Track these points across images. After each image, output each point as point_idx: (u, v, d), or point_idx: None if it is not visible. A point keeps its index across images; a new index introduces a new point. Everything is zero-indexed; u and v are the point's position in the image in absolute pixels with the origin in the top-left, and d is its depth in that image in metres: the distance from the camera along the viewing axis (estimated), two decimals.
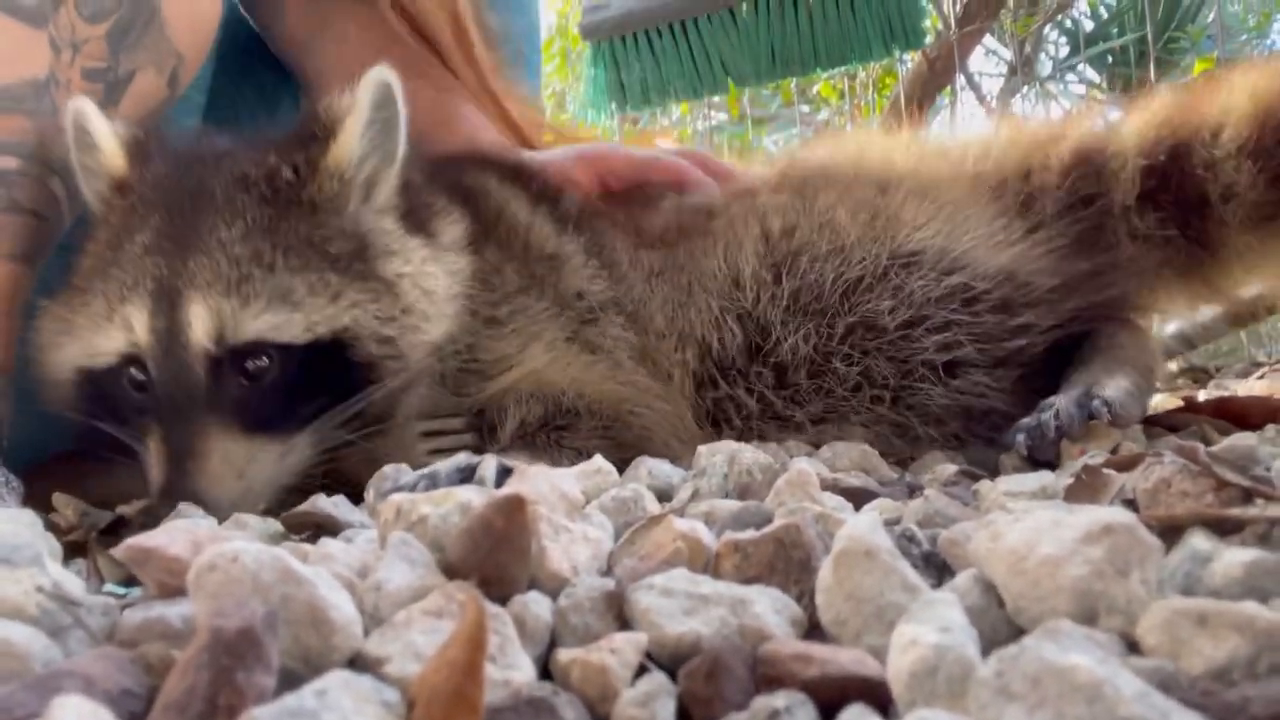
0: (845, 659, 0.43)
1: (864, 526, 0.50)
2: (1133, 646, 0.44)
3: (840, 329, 1.09)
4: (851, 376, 1.08)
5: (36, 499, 0.91)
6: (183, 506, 0.85)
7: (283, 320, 0.94)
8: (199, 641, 0.39)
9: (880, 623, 0.47)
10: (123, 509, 0.93)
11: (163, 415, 0.93)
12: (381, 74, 1.00)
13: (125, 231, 0.99)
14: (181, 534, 0.49)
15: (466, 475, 0.93)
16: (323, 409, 0.96)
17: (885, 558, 0.48)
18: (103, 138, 1.02)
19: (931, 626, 0.42)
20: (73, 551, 0.80)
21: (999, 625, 0.48)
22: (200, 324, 0.92)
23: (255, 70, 1.51)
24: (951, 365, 1.06)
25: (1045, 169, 1.22)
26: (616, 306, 1.14)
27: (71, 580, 0.48)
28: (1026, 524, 0.49)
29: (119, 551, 0.49)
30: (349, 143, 1.00)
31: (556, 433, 1.05)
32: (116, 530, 0.89)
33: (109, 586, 0.67)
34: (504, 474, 0.91)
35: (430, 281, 1.02)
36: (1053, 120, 1.40)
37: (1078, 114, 1.39)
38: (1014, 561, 0.47)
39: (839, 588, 0.48)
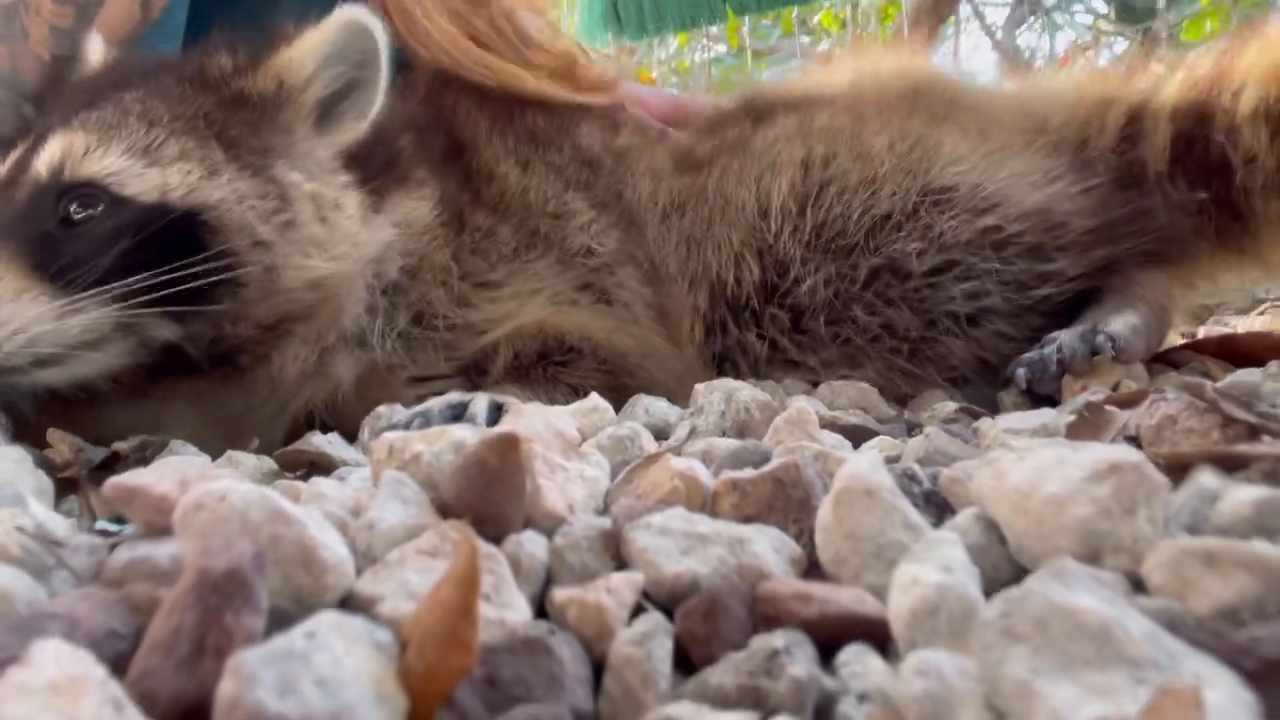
0: (845, 598, 0.43)
1: (864, 465, 0.49)
2: (1138, 586, 0.43)
3: (863, 272, 1.04)
4: (872, 326, 1.04)
5: (32, 436, 0.90)
6: None
7: (130, 170, 0.86)
8: (186, 581, 0.38)
9: (880, 562, 0.46)
10: (118, 445, 0.91)
11: None
12: (359, 14, 0.96)
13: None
14: (170, 472, 0.48)
15: (459, 413, 0.91)
16: (149, 291, 0.84)
17: (886, 496, 0.47)
18: (94, 56, 1.00)
19: (933, 566, 0.41)
20: (67, 489, 0.79)
21: (1000, 564, 0.47)
22: (47, 154, 0.87)
23: None
24: (975, 314, 1.02)
25: (1102, 133, 1.16)
26: (632, 261, 1.10)
27: (55, 519, 0.47)
28: (1030, 462, 0.48)
29: (105, 489, 0.48)
30: (301, 54, 0.96)
31: (554, 367, 1.03)
32: (111, 467, 0.88)
33: (100, 524, 0.66)
34: (495, 410, 0.90)
35: (337, 217, 0.95)
36: (1110, 73, 1.30)
37: (1132, 65, 1.30)
38: (1018, 500, 0.46)
39: (839, 527, 0.48)
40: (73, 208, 0.86)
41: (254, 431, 0.96)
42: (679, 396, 0.93)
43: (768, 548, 0.48)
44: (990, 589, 0.43)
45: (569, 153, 1.16)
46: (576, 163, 1.15)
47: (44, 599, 0.42)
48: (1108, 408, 0.68)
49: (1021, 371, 0.91)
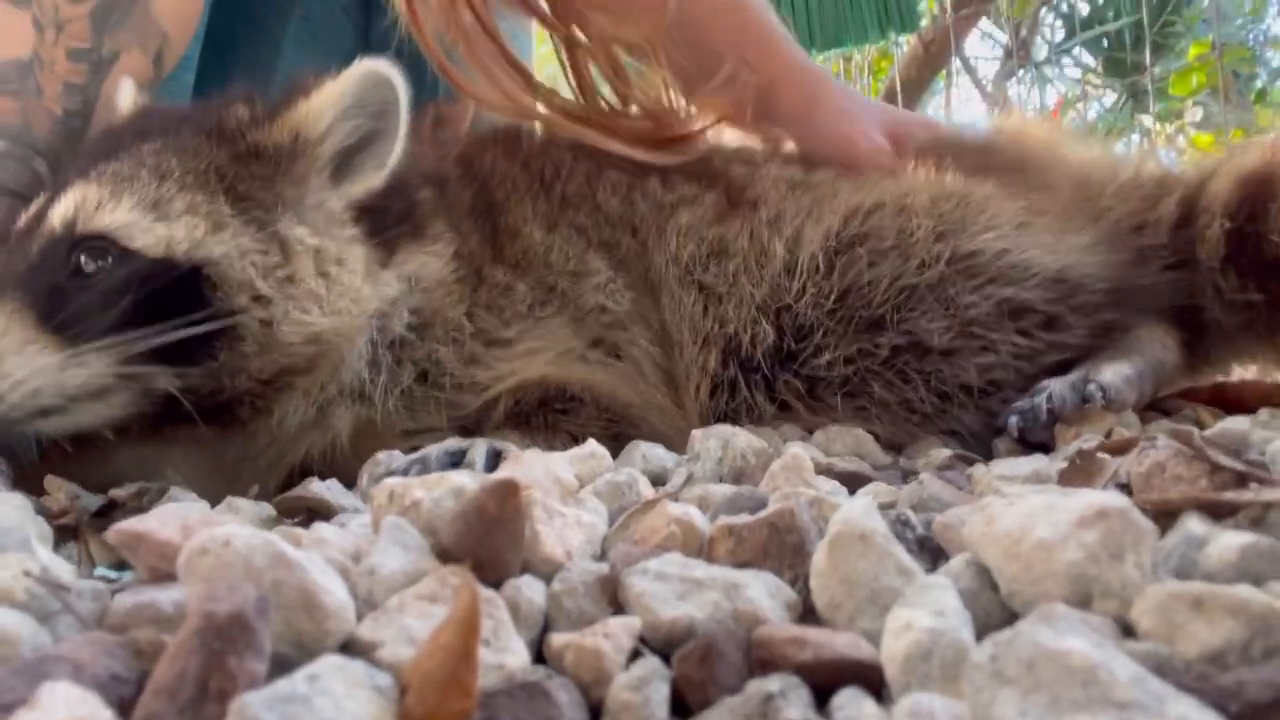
0: (839, 642, 0.43)
1: (858, 510, 0.49)
2: (1127, 630, 0.44)
3: (885, 350, 1.02)
4: (888, 400, 1.02)
5: (29, 482, 0.90)
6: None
7: (138, 223, 0.87)
8: (190, 626, 0.38)
9: (874, 607, 0.47)
10: (115, 492, 0.92)
11: None
12: (379, 65, 0.97)
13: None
14: (173, 518, 0.49)
15: (457, 459, 0.92)
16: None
17: (879, 541, 0.48)
18: (123, 104, 1.03)
19: (926, 610, 0.42)
20: (65, 535, 0.80)
21: (993, 609, 0.48)
22: (61, 207, 0.88)
23: (245, 51, 1.49)
24: (987, 387, 1.02)
25: (1157, 224, 1.15)
26: (644, 321, 1.08)
27: (60, 565, 0.48)
28: (1020, 508, 0.49)
29: (110, 535, 0.49)
30: (319, 107, 0.97)
31: (554, 415, 1.04)
32: (108, 514, 0.89)
33: (100, 570, 0.67)
34: (494, 457, 0.91)
35: (339, 272, 0.96)
36: (1164, 162, 1.32)
37: (1192, 155, 1.31)
38: (1008, 545, 0.47)
39: (833, 572, 0.48)
40: (83, 259, 0.87)
41: (252, 479, 0.97)
42: (679, 447, 0.93)
43: (763, 593, 0.49)
44: (982, 633, 0.44)
45: (598, 212, 1.15)
46: (603, 223, 1.14)
47: (49, 643, 0.43)
48: (1099, 455, 0.69)
49: (1014, 420, 0.92)
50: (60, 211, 0.89)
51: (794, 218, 1.10)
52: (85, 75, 1.06)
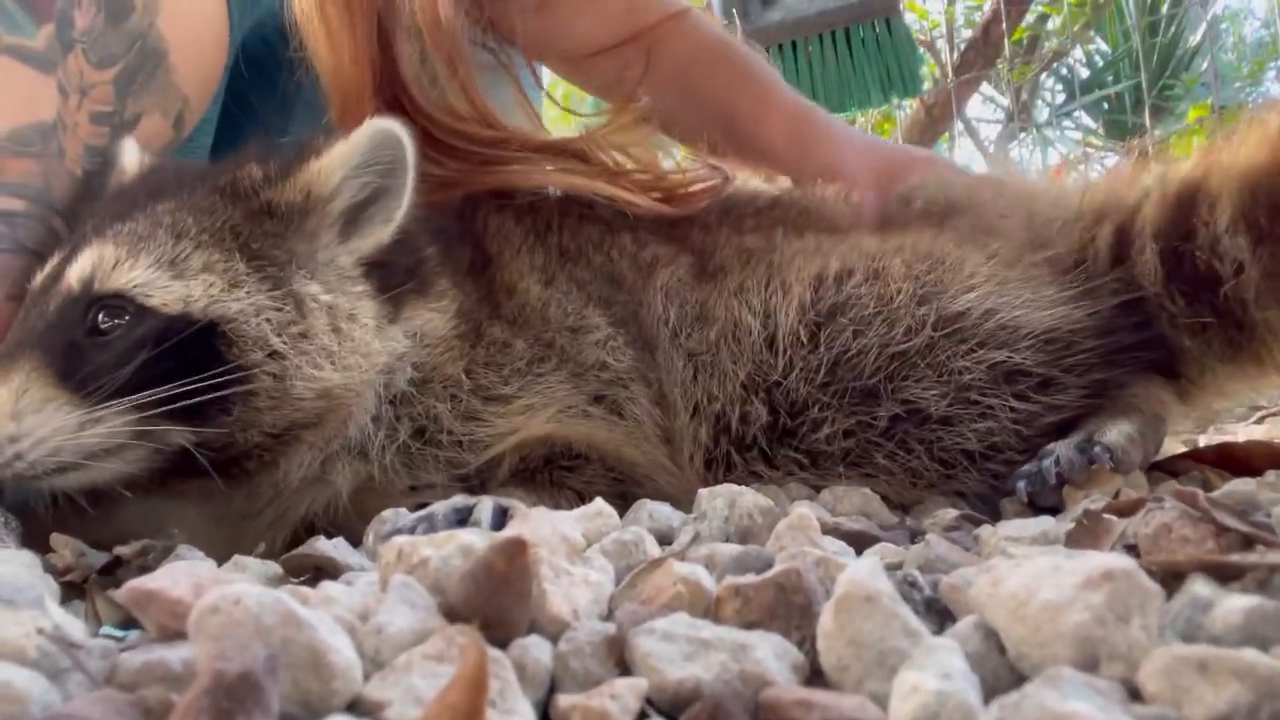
0: (847, 705, 0.43)
1: (865, 571, 0.50)
2: (1134, 693, 0.44)
3: (884, 420, 1.01)
4: (894, 469, 1.02)
5: (34, 538, 0.91)
6: None
7: (155, 281, 0.89)
8: (199, 685, 0.39)
9: (882, 669, 0.47)
10: (120, 550, 0.92)
11: (1, 349, 0.88)
12: (389, 123, 0.99)
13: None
14: (184, 576, 0.49)
15: (464, 516, 0.92)
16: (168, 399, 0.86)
17: (886, 603, 0.48)
18: (129, 164, 1.04)
19: (933, 673, 0.42)
20: (70, 592, 0.80)
21: (1000, 671, 0.48)
22: (78, 266, 0.90)
23: (261, 112, 1.53)
24: (988, 451, 1.01)
25: (1096, 256, 1.14)
26: (644, 380, 1.08)
27: (72, 623, 0.48)
28: (1027, 569, 0.49)
29: (121, 594, 0.49)
30: (330, 165, 0.99)
31: (559, 472, 1.04)
32: (113, 571, 0.89)
33: (106, 629, 0.67)
34: (500, 515, 0.91)
35: (350, 328, 0.97)
36: (1098, 185, 1.24)
37: (1117, 178, 1.28)
38: (1014, 607, 0.47)
39: (840, 633, 0.48)
40: (100, 317, 0.89)
41: (255, 535, 0.97)
42: (684, 506, 0.92)
43: (770, 654, 0.49)
44: (991, 696, 0.44)
45: (595, 267, 1.16)
46: (600, 278, 1.15)
47: (58, 701, 0.43)
48: (1106, 516, 0.69)
49: (1022, 485, 0.92)
50: (78, 270, 0.90)
51: (758, 289, 1.09)
52: (107, 138, 1.09)
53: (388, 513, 0.90)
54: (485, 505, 0.92)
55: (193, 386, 0.86)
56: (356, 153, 0.99)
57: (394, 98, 1.20)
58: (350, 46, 1.17)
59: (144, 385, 0.86)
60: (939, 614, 0.55)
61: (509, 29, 1.37)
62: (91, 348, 0.88)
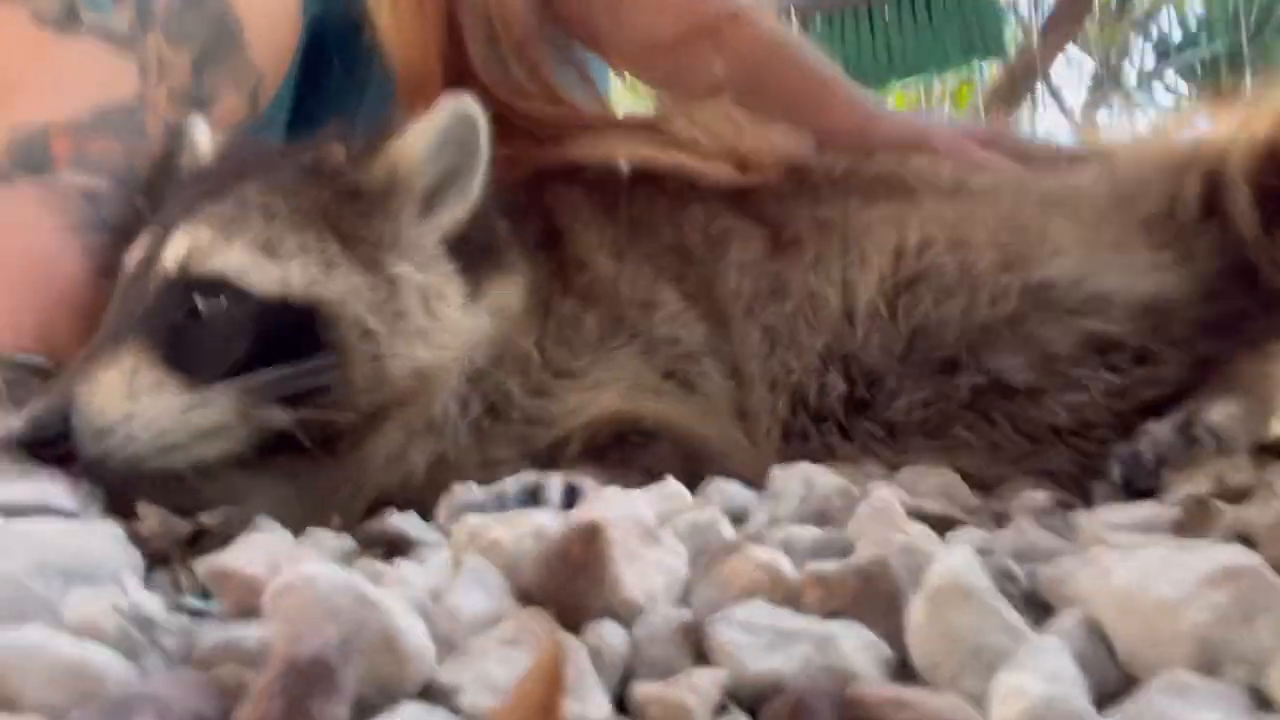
0: (941, 705, 0.40)
1: (960, 562, 0.47)
2: (1261, 700, 0.40)
3: (965, 390, 0.97)
4: (975, 443, 0.98)
5: (121, 505, 0.93)
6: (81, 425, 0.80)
7: (253, 264, 0.89)
8: (273, 668, 0.38)
9: (978, 665, 0.44)
10: (203, 518, 0.94)
11: (101, 331, 0.89)
12: (465, 102, 0.99)
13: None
14: (260, 553, 0.49)
15: (533, 493, 0.92)
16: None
17: (983, 596, 0.45)
18: (203, 145, 1.06)
19: (1037, 674, 0.39)
20: (156, 561, 0.82)
21: (1108, 672, 0.45)
22: (174, 248, 0.90)
23: (333, 91, 1.54)
24: (1079, 427, 0.96)
25: (1185, 205, 1.07)
26: (717, 354, 1.05)
27: (150, 599, 0.48)
28: (1137, 562, 0.45)
29: (201, 571, 0.49)
30: (412, 145, 0.99)
31: (629, 449, 1.02)
32: (197, 539, 0.90)
33: (189, 598, 0.68)
34: (569, 493, 0.90)
35: (441, 307, 0.97)
36: (1182, 138, 1.19)
37: (1192, 125, 1.22)
38: (1125, 603, 0.44)
39: (932, 627, 0.46)
40: (198, 300, 0.90)
41: (335, 509, 0.98)
42: (756, 484, 0.88)
43: (856, 647, 0.47)
44: (1097, 699, 0.41)
45: (666, 242, 1.14)
46: (671, 253, 1.13)
47: (135, 679, 0.43)
48: (1214, 503, 0.65)
49: (1117, 467, 0.87)
50: (173, 253, 0.91)
51: (835, 260, 1.07)
52: (185, 116, 1.10)
53: (458, 488, 0.90)
54: (554, 483, 0.91)
55: (294, 371, 0.87)
56: (436, 132, 0.99)
57: (463, 83, 1.19)
58: (419, 32, 1.17)
59: (245, 367, 0.87)
60: (1037, 607, 0.52)
61: (570, 21, 1.36)
62: (192, 330, 0.89)
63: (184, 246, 0.91)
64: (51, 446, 0.80)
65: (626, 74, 1.46)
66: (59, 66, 1.01)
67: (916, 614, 0.47)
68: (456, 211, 1.01)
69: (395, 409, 0.97)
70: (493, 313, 1.02)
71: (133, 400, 0.84)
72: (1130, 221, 1.08)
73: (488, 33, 1.22)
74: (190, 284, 0.90)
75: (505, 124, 1.15)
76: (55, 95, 1.00)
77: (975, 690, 0.43)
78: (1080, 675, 0.41)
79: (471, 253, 1.02)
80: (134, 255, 0.94)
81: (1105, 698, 0.42)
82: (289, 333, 0.90)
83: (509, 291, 1.04)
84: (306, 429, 0.91)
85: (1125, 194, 1.12)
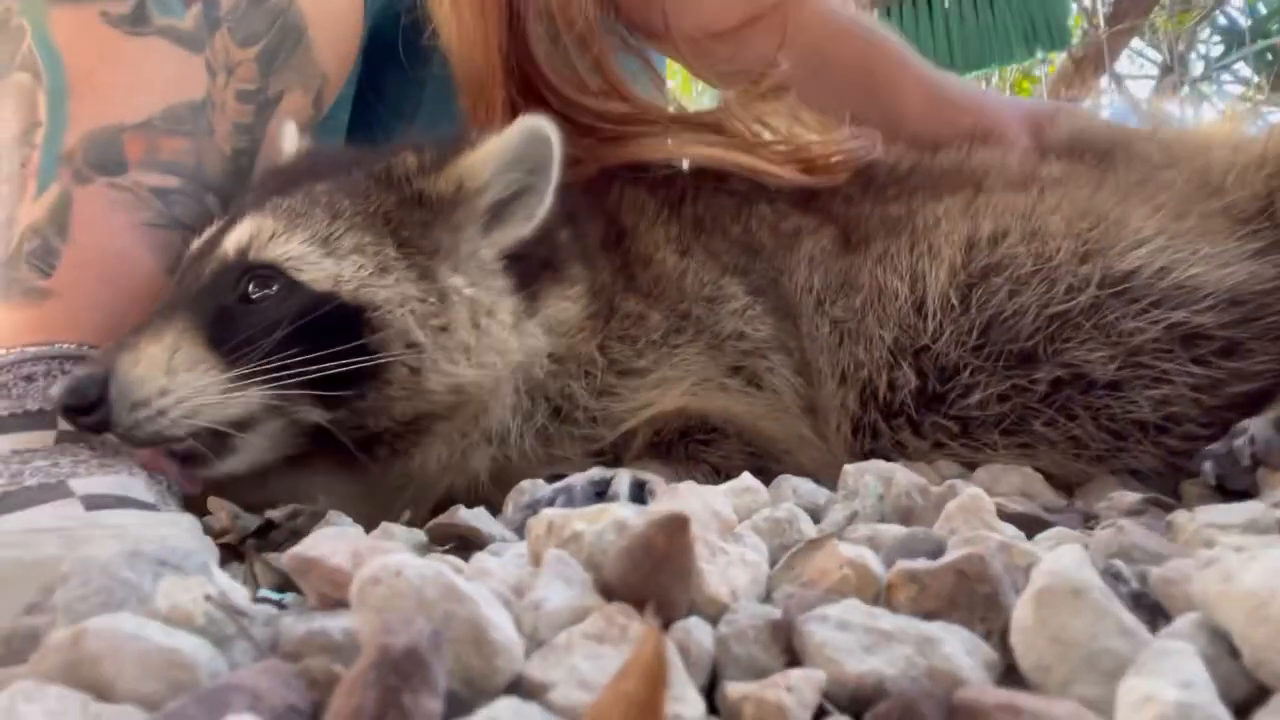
0: (1060, 713, 0.38)
1: (1069, 561, 0.44)
2: None
3: (1043, 384, 0.95)
4: (1055, 439, 0.95)
5: (191, 501, 0.94)
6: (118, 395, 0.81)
7: (308, 257, 0.90)
8: (366, 659, 0.37)
9: (1093, 671, 0.42)
10: (271, 513, 0.94)
11: (157, 306, 0.91)
12: (541, 123, 0.99)
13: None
14: (343, 544, 0.49)
15: (601, 490, 0.90)
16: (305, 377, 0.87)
17: (1096, 597, 0.43)
18: (288, 146, 1.08)
19: (1168, 680, 0.36)
20: (226, 555, 0.82)
21: (1234, 679, 0.42)
22: (236, 234, 0.92)
23: (391, 93, 1.54)
24: (1165, 423, 0.93)
25: None
26: (785, 349, 1.04)
27: (237, 589, 0.48)
28: (1265, 564, 0.43)
29: (284, 560, 0.49)
30: (484, 159, 0.99)
31: (695, 445, 1.01)
32: (266, 534, 0.91)
33: (263, 591, 0.68)
34: (638, 489, 0.89)
35: (489, 323, 0.97)
36: (1255, 124, 1.19)
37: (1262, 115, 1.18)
38: (1254, 607, 0.41)
39: (1041, 629, 0.43)
40: (251, 287, 0.91)
41: (401, 507, 0.98)
42: (824, 483, 0.87)
43: (960, 649, 0.45)
44: (1228, 708, 0.38)
45: (732, 238, 1.13)
46: (737, 248, 1.12)
47: (224, 669, 0.42)
48: None
49: (1209, 465, 0.83)
50: (234, 239, 0.93)
51: (903, 253, 1.05)
52: (252, 115, 1.11)
53: (526, 483, 0.89)
54: (623, 478, 0.90)
55: (332, 368, 0.87)
56: (509, 149, 0.99)
57: (526, 80, 1.19)
58: (480, 30, 1.17)
59: (284, 356, 0.87)
60: (1148, 610, 0.49)
61: (631, 12, 1.34)
62: (241, 315, 0.90)
63: (246, 234, 0.92)
64: (87, 413, 0.81)
65: (687, 65, 1.44)
66: (129, 67, 1.02)
67: (1023, 615, 0.44)
68: (521, 230, 1.01)
69: (435, 422, 0.97)
70: (549, 328, 1.02)
71: (170, 375, 0.85)
72: (1216, 210, 1.04)
73: (550, 28, 1.21)
74: (245, 269, 0.91)
75: (569, 121, 1.15)
76: (127, 96, 1.01)
77: (1092, 696, 0.41)
78: (1211, 682, 0.38)
79: (531, 266, 1.02)
80: (199, 241, 0.95)
81: (1234, 707, 0.39)
82: (333, 330, 0.89)
83: (566, 305, 1.04)
84: (342, 429, 0.92)
85: (1210, 182, 1.08)
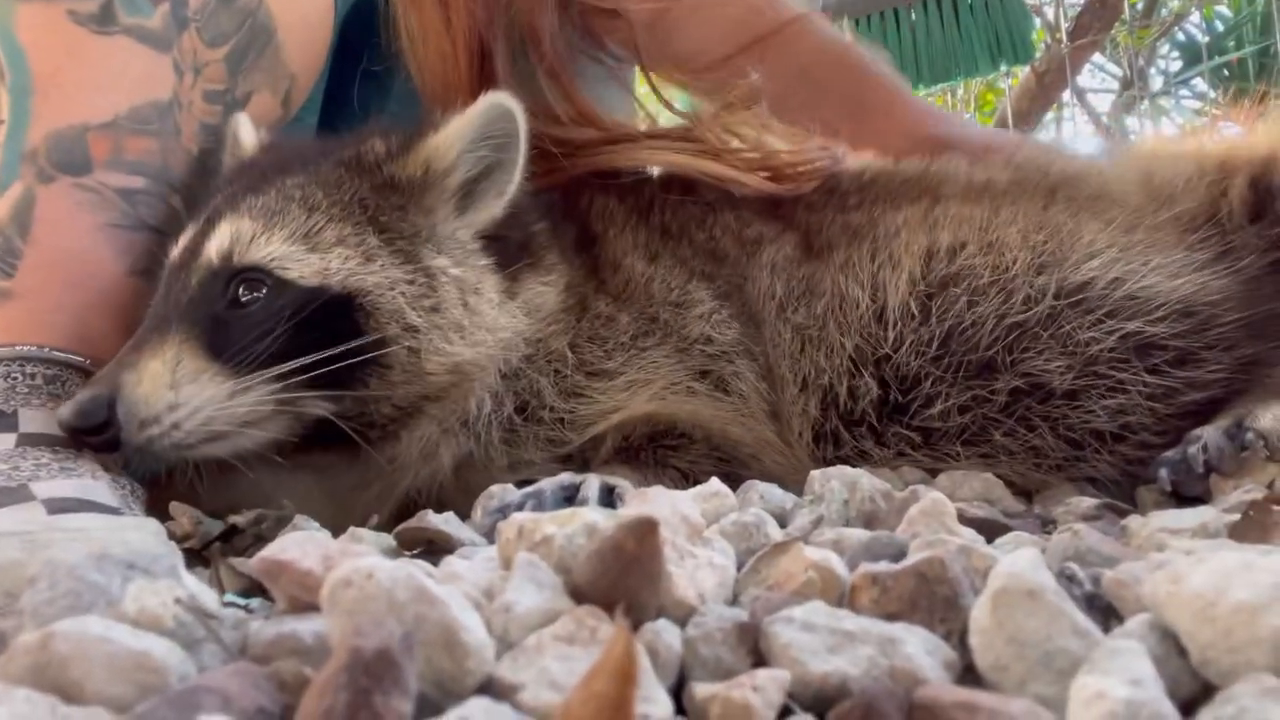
0: (1016, 710, 0.39)
1: (1025, 564, 0.46)
2: None
3: (1003, 394, 0.96)
4: (1013, 448, 0.96)
5: (153, 506, 0.93)
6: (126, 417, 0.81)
7: (293, 254, 0.91)
8: (337, 661, 0.38)
9: (1048, 670, 0.43)
10: (234, 518, 0.94)
11: (146, 320, 0.90)
12: (502, 98, 1.00)
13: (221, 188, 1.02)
14: (313, 548, 0.49)
15: (570, 494, 0.91)
16: (305, 371, 0.88)
17: (1051, 598, 0.44)
18: (248, 140, 1.07)
19: (1119, 678, 0.38)
20: (190, 559, 0.81)
21: (1181, 677, 0.43)
22: (217, 240, 0.91)
23: (360, 95, 1.54)
24: (1120, 431, 0.95)
25: (1230, 211, 1.08)
26: (750, 355, 1.05)
27: (206, 592, 0.48)
28: (1212, 567, 0.44)
29: (253, 564, 0.49)
30: (448, 139, 1.00)
31: (663, 451, 1.02)
32: (230, 539, 0.90)
33: (229, 596, 0.67)
34: (607, 493, 0.89)
35: (478, 302, 0.98)
36: (1226, 139, 1.22)
37: (1242, 134, 1.22)
38: (1201, 608, 0.43)
39: (999, 630, 0.45)
40: (240, 290, 0.91)
41: (364, 508, 0.98)
42: (790, 488, 0.88)
43: (920, 649, 0.46)
44: (1174, 705, 0.40)
45: (698, 244, 1.15)
46: (703, 254, 1.13)
47: (194, 672, 0.42)
48: (1275, 508, 0.63)
49: (1164, 472, 0.85)
50: (216, 244, 0.92)
51: (864, 262, 1.06)
52: (219, 116, 1.10)
53: (495, 488, 0.89)
54: (592, 483, 0.91)
55: (335, 360, 0.88)
56: (473, 127, 1.00)
57: None
58: (446, 50, 1.18)
59: (285, 356, 0.88)
60: (1101, 611, 0.51)
61: (620, 43, 1.36)
62: (234, 320, 0.90)
63: (226, 238, 0.92)
64: (96, 434, 0.81)
65: (678, 89, 1.45)
66: (96, 66, 1.01)
67: (981, 616, 0.45)
68: (493, 207, 1.02)
69: (430, 404, 0.98)
70: (528, 311, 1.02)
71: (175, 389, 0.85)
72: (1167, 222, 1.07)
73: (519, 57, 1.22)
74: (232, 274, 0.91)
75: (537, 146, 1.16)
76: (92, 95, 1.00)
77: (1046, 695, 0.42)
78: (1159, 680, 0.40)
79: (508, 250, 1.03)
80: (177, 247, 0.95)
81: (1179, 702, 0.41)
82: (328, 323, 0.90)
83: (544, 290, 1.04)
84: (345, 419, 0.92)
85: (1161, 194, 1.11)
